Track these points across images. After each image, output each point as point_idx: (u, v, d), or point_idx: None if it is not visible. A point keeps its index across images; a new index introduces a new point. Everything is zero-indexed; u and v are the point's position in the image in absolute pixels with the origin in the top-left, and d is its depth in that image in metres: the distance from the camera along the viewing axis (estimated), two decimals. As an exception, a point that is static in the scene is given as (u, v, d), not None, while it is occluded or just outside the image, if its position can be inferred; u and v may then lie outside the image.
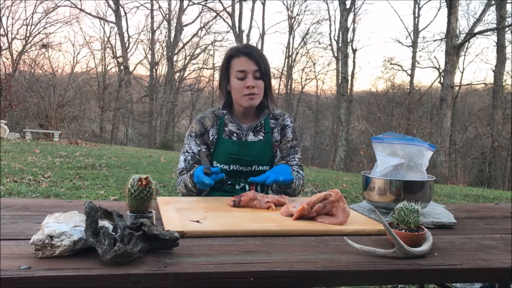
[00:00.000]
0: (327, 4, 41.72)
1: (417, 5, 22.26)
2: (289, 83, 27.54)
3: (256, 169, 1.85)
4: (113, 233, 1.00)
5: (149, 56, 27.39)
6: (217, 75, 2.00)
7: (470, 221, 1.52)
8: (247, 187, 1.87)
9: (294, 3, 32.68)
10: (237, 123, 1.88)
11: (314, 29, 34.43)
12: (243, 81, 1.79)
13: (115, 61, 27.18)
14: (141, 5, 29.12)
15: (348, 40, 20.69)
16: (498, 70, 16.60)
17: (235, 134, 1.87)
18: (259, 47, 25.96)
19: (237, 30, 23.93)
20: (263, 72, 1.81)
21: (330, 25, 34.10)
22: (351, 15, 20.92)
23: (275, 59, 54.71)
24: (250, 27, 25.53)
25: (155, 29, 26.58)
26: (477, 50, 48.76)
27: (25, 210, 1.42)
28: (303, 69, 28.08)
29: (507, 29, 16.00)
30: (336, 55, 24.56)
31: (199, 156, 1.85)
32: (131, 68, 26.75)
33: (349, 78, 21.80)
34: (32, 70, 20.47)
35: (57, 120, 16.13)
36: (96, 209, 1.02)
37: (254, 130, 1.88)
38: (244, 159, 1.83)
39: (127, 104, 25.74)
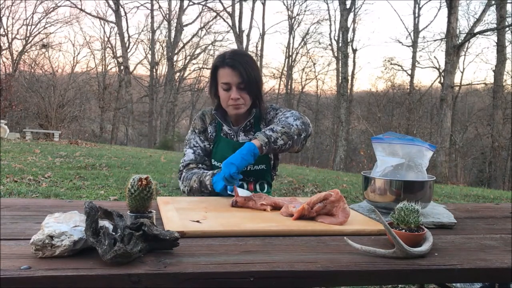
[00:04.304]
0: (327, 4, 41.86)
1: (417, 5, 22.30)
2: (289, 83, 27.57)
3: (251, 168, 1.87)
4: (113, 233, 1.00)
5: (149, 56, 27.44)
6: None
7: (470, 221, 1.52)
8: (245, 185, 1.88)
9: (294, 3, 32.73)
10: (228, 125, 1.93)
11: (314, 29, 34.52)
12: (228, 92, 1.83)
13: (115, 61, 27.23)
14: (141, 5, 29.21)
15: (348, 40, 20.70)
16: (498, 70, 16.62)
17: (227, 135, 1.93)
18: (259, 47, 26.06)
19: (237, 30, 23.92)
20: (248, 83, 1.82)
21: (330, 25, 34.12)
22: (351, 15, 20.96)
23: (275, 59, 54.92)
24: (250, 27, 25.56)
25: (155, 29, 26.64)
26: (477, 50, 48.81)
27: (25, 210, 1.42)
28: (303, 69, 28.14)
29: (507, 29, 16.01)
30: (336, 55, 24.57)
31: (203, 152, 1.91)
32: (131, 68, 26.78)
33: (349, 78, 21.82)
34: (32, 70, 20.50)
35: (57, 120, 16.14)
36: (96, 209, 1.02)
37: (244, 130, 1.93)
38: None
39: (127, 104, 25.74)
